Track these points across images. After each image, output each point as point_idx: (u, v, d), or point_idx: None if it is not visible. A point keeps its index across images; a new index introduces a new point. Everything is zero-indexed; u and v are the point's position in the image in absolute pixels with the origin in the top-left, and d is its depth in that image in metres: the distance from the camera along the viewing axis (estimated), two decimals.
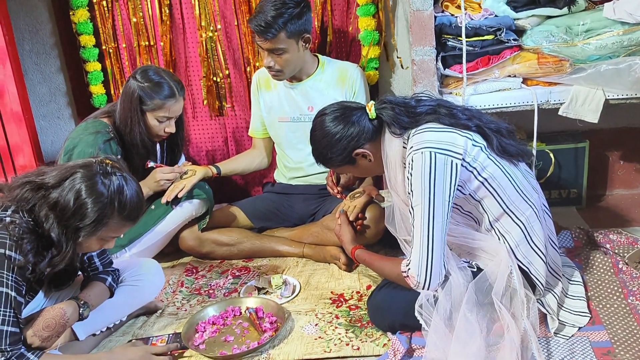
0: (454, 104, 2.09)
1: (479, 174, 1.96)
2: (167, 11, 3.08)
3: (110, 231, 1.87)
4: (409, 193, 1.93)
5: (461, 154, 1.91)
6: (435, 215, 1.89)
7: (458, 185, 1.93)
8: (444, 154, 1.89)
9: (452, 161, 1.89)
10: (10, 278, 1.74)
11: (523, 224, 2.00)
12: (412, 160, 1.91)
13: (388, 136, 2.04)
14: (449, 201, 1.90)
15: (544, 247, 2.04)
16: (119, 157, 2.47)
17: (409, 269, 1.94)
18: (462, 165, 1.91)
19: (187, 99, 3.23)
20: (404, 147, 2.01)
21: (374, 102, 2.07)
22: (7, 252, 1.74)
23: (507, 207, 1.99)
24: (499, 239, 2.02)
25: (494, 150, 1.99)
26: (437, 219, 1.89)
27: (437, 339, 1.91)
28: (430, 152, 1.89)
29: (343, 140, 2.04)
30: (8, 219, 1.76)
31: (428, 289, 1.94)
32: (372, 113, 2.04)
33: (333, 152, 2.07)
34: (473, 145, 1.95)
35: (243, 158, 3.07)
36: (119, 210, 1.83)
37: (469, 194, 1.99)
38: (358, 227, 2.50)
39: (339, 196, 2.54)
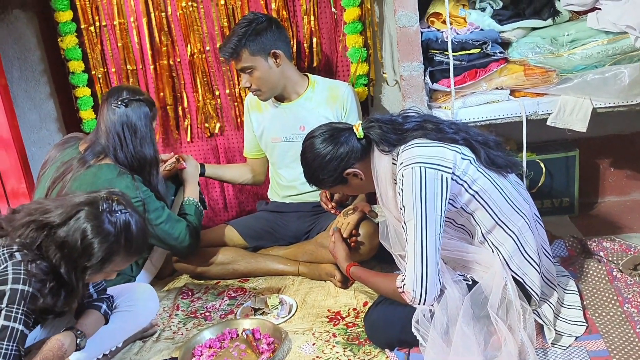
0: (441, 119, 2.10)
1: (470, 187, 1.97)
2: (156, 34, 3.10)
3: (115, 266, 1.87)
4: (401, 209, 1.94)
5: (451, 168, 1.92)
6: (428, 229, 1.89)
7: (449, 199, 1.94)
8: (434, 169, 1.90)
9: (442, 175, 1.90)
10: (21, 312, 1.74)
11: (515, 235, 2.01)
12: (403, 176, 1.92)
13: (377, 154, 2.05)
14: (441, 215, 1.91)
15: (537, 257, 2.04)
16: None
17: (404, 284, 1.94)
18: (452, 178, 1.92)
19: (179, 121, 3.24)
20: (393, 164, 2.02)
21: (361, 122, 2.09)
22: (21, 286, 1.74)
23: (499, 218, 2.00)
24: (492, 250, 2.03)
25: (483, 163, 2.01)
26: (430, 234, 1.90)
27: (435, 354, 1.91)
28: (420, 167, 1.90)
29: (333, 161, 2.06)
30: (32, 265, 1.76)
31: (424, 304, 1.94)
32: (359, 133, 2.06)
33: (324, 174, 2.10)
34: (462, 158, 1.96)
35: (233, 168, 3.10)
36: (126, 247, 1.84)
37: (461, 207, 2.00)
38: (352, 244, 2.50)
39: (333, 212, 2.55)
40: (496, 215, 2.00)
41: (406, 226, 1.93)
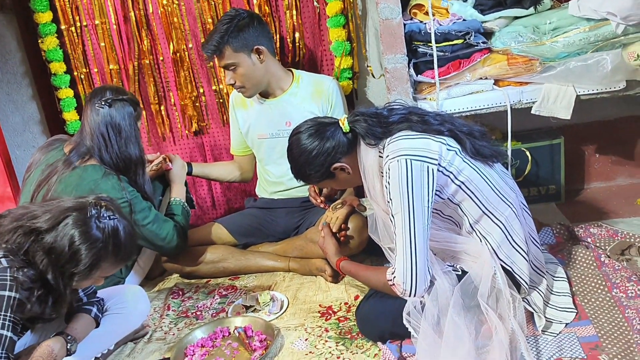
0: (426, 111, 2.11)
1: (456, 178, 1.97)
2: (138, 32, 3.08)
3: (102, 272, 1.86)
4: (389, 202, 1.94)
5: (436, 159, 1.93)
6: (416, 221, 1.90)
7: (436, 190, 1.94)
8: (420, 161, 1.90)
9: (428, 167, 1.91)
10: (8, 318, 1.73)
11: (503, 224, 2.02)
12: (389, 169, 1.92)
13: (363, 147, 2.06)
14: (429, 207, 1.92)
15: (525, 246, 2.05)
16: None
17: (395, 277, 1.95)
18: (438, 170, 1.93)
19: (164, 120, 3.23)
20: (380, 157, 2.02)
21: (346, 116, 2.10)
22: (7, 293, 1.72)
23: (486, 208, 2.01)
24: (480, 240, 2.04)
25: (468, 153, 2.01)
26: (418, 226, 1.90)
27: (427, 345, 1.91)
28: (406, 159, 1.90)
29: (320, 156, 2.07)
30: (19, 272, 1.75)
31: (414, 296, 1.94)
32: (345, 127, 2.07)
33: (312, 169, 2.10)
34: (447, 149, 1.97)
35: (220, 166, 3.10)
36: (114, 253, 1.83)
37: (448, 198, 2.01)
38: (342, 238, 2.50)
39: (322, 206, 2.56)
40: (483, 205, 2.01)
41: (394, 219, 1.93)
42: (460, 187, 1.98)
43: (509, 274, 2.02)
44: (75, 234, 1.77)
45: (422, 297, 1.95)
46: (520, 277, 2.04)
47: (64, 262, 1.77)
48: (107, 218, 1.83)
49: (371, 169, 2.06)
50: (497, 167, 2.10)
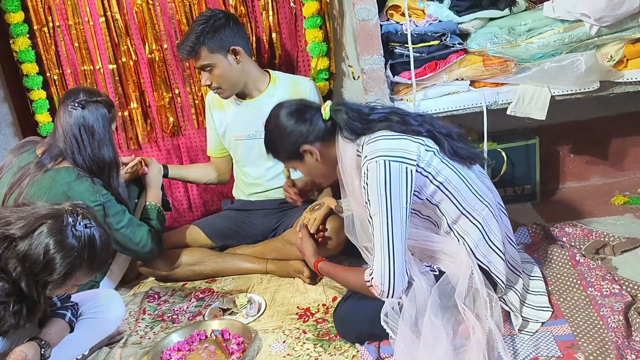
0: (407, 111, 2.11)
1: (434, 178, 1.98)
2: (112, 33, 3.04)
3: (76, 281, 1.83)
4: (366, 202, 1.94)
5: (415, 160, 1.93)
6: (394, 223, 1.90)
7: (415, 191, 1.95)
8: (398, 162, 1.90)
9: (406, 168, 1.91)
10: None
11: (480, 224, 2.03)
12: (367, 170, 1.92)
13: (342, 143, 2.05)
14: (407, 208, 1.92)
15: (502, 246, 2.07)
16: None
17: (372, 278, 1.94)
18: (417, 170, 1.93)
19: (140, 121, 3.19)
20: (358, 156, 2.02)
21: (330, 103, 2.09)
22: None
23: (464, 208, 2.02)
24: (458, 240, 2.05)
25: (447, 154, 2.02)
26: (397, 227, 1.90)
27: (405, 346, 1.91)
28: (385, 160, 1.90)
29: (293, 135, 2.07)
30: None
31: (392, 297, 1.94)
32: (326, 113, 2.07)
33: (281, 146, 2.11)
34: (426, 150, 1.97)
35: (197, 168, 3.07)
36: (88, 262, 1.80)
37: (426, 199, 2.01)
38: (319, 239, 2.49)
39: (295, 198, 2.52)
40: (461, 205, 2.01)
41: (372, 220, 1.93)
42: (438, 187, 1.99)
43: (486, 273, 2.03)
44: (51, 242, 1.73)
45: (400, 298, 1.95)
46: (497, 277, 2.05)
47: (38, 270, 1.73)
48: (84, 226, 1.80)
49: (349, 165, 2.05)
50: (475, 168, 2.11)
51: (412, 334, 1.92)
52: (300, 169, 2.20)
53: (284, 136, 2.08)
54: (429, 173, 1.97)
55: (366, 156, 1.94)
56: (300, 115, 2.08)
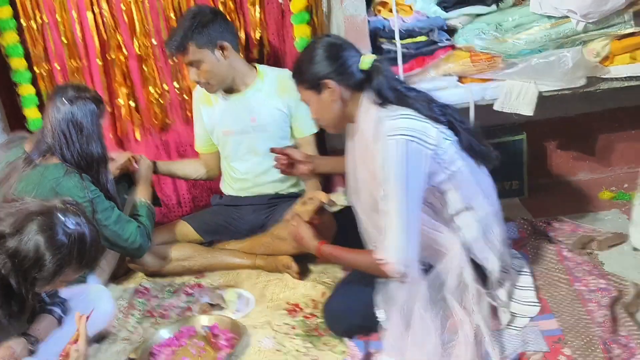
0: (433, 98, 2.09)
1: (447, 168, 1.98)
2: (101, 28, 3.02)
3: (65, 277, 1.82)
4: (382, 181, 1.91)
5: (433, 145, 1.93)
6: (411, 201, 1.90)
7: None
8: (418, 143, 1.90)
9: (424, 151, 1.91)
10: None
11: (482, 221, 2.04)
12: (387, 146, 1.90)
13: (366, 103, 2.02)
14: (422, 189, 1.92)
15: (500, 245, 2.08)
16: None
17: (387, 256, 1.91)
18: (432, 156, 1.93)
19: (128, 117, 3.18)
20: (378, 123, 1.98)
21: (375, 57, 2.05)
22: None
23: (469, 202, 2.03)
24: (455, 232, 2.04)
25: (463, 147, 2.03)
26: (414, 206, 1.90)
27: (394, 341, 1.93)
28: (405, 139, 1.88)
29: (322, 64, 2.02)
30: None
31: (406, 276, 1.92)
32: (364, 63, 2.02)
33: (308, 69, 2.05)
34: (444, 138, 1.97)
35: (186, 164, 3.06)
36: (78, 259, 1.79)
37: (434, 186, 2.00)
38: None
39: (283, 163, 2.43)
40: (466, 199, 2.02)
41: (387, 198, 1.91)
42: (449, 177, 1.99)
43: (478, 268, 2.04)
44: (41, 239, 1.72)
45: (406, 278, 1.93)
46: (491, 273, 2.06)
47: (28, 267, 1.72)
48: (74, 223, 1.79)
49: (367, 127, 2.01)
50: (482, 167, 2.12)
51: (401, 322, 1.92)
52: (313, 104, 2.12)
53: (314, 62, 2.04)
54: (444, 160, 1.96)
55: (386, 133, 1.92)
56: (340, 51, 2.04)
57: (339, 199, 2.64)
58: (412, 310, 1.93)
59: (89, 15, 3.00)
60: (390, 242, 1.91)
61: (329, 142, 3.01)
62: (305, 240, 2.25)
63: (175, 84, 3.11)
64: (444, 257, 2.01)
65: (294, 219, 2.34)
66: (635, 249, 2.38)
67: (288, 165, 2.43)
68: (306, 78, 2.07)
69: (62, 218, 1.77)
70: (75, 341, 1.87)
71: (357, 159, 2.10)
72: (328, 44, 2.06)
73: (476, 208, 2.04)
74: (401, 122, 1.93)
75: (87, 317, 1.90)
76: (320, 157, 2.50)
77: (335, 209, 2.56)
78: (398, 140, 1.89)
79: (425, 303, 1.94)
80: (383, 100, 1.99)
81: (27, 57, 3.07)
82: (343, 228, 2.33)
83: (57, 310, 2.08)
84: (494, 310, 2.07)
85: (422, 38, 2.57)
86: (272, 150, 2.45)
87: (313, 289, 2.50)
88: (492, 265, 2.06)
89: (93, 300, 2.23)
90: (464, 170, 2.00)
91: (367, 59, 2.02)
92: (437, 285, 1.98)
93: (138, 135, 3.21)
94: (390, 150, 1.89)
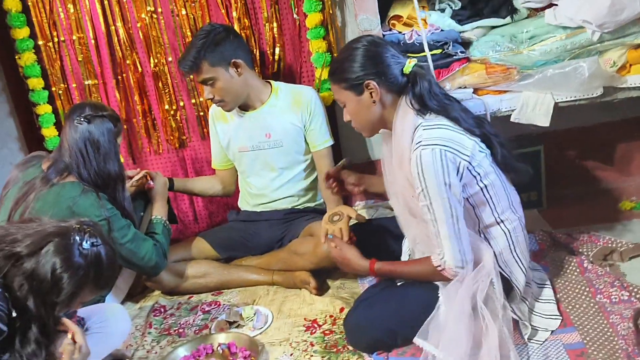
0: (469, 110, 2.09)
1: (481, 180, 1.97)
2: (117, 47, 3.06)
3: (81, 299, 1.82)
4: (422, 191, 1.91)
5: (469, 156, 1.93)
6: (455, 206, 1.90)
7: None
8: (454, 153, 1.90)
9: (460, 162, 1.91)
10: None
11: (510, 233, 2.04)
12: (421, 156, 1.89)
13: (403, 110, 2.00)
14: (461, 193, 1.93)
15: (525, 260, 2.08)
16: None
17: (445, 261, 1.94)
18: (467, 168, 1.93)
19: (145, 134, 3.20)
20: (415, 130, 1.97)
21: (416, 60, 2.02)
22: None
23: (499, 216, 2.03)
24: (487, 244, 2.04)
25: (496, 160, 2.02)
26: (459, 210, 1.91)
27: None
28: (441, 149, 1.88)
29: (367, 65, 1.99)
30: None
31: (464, 277, 1.95)
32: (407, 67, 1.99)
33: (351, 68, 2.00)
34: (479, 151, 1.98)
35: (202, 181, 3.06)
36: (94, 280, 1.78)
37: (466, 198, 1.99)
38: None
39: (332, 186, 2.40)
40: (497, 212, 2.02)
41: (431, 206, 1.91)
42: (482, 189, 1.99)
43: (505, 281, 2.03)
44: (57, 261, 1.72)
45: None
46: (517, 287, 2.06)
47: (46, 290, 1.71)
48: (90, 245, 1.79)
49: (401, 135, 1.99)
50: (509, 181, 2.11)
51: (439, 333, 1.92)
52: (350, 105, 2.07)
53: (355, 60, 2.00)
54: (478, 173, 1.96)
55: (420, 142, 1.91)
56: (383, 51, 2.00)
57: (365, 213, 2.61)
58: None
59: (105, 33, 3.04)
60: (443, 248, 1.93)
61: (344, 154, 3.00)
62: (353, 262, 2.20)
63: (192, 100, 3.13)
64: (477, 266, 2.00)
65: (334, 241, 2.26)
66: None
67: (339, 186, 2.43)
68: (346, 77, 2.02)
69: (79, 239, 1.77)
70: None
71: (394, 164, 2.09)
72: (371, 42, 2.02)
73: (505, 221, 2.03)
74: (438, 132, 1.92)
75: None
76: (371, 177, 2.47)
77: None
78: (434, 149, 1.88)
79: (457, 313, 1.93)
80: (422, 106, 1.98)
81: (44, 76, 3.11)
82: (360, 241, 2.31)
83: None
84: (515, 324, 2.05)
85: (437, 51, 2.56)
86: (328, 175, 2.43)
87: (331, 305, 2.49)
88: (518, 278, 2.05)
89: (110, 319, 2.23)
90: (496, 183, 2.00)
91: (411, 63, 2.00)
92: (470, 295, 1.97)
93: (154, 153, 3.23)
94: (426, 159, 1.88)
